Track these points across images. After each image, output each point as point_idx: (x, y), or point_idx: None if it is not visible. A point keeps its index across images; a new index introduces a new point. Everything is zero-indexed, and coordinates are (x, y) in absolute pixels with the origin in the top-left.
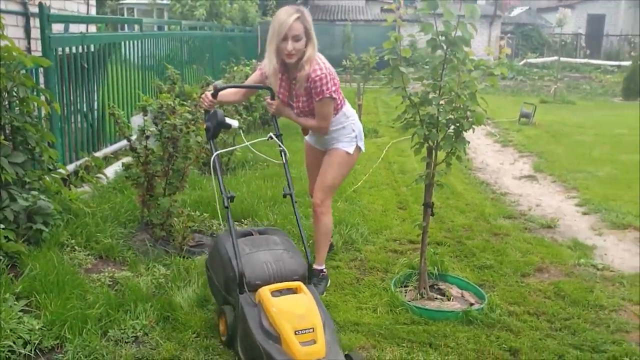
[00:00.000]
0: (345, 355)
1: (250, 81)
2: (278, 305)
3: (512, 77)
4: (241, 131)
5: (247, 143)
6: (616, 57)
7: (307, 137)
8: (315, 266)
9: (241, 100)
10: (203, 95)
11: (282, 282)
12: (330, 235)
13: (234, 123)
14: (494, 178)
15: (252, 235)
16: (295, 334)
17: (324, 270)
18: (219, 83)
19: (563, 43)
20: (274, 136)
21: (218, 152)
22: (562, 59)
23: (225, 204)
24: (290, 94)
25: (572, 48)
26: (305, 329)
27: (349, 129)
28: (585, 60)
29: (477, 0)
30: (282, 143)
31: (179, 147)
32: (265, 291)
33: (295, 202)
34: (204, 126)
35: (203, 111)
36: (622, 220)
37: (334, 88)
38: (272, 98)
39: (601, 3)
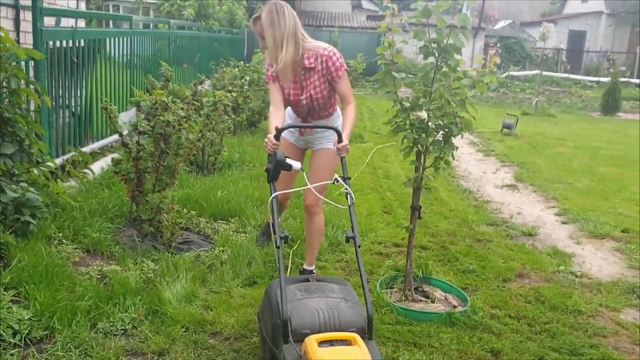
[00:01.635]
0: None
1: (274, 95)
2: (323, 356)
3: (494, 89)
4: (304, 173)
5: (310, 186)
6: (595, 72)
7: (287, 136)
8: (305, 267)
9: None
10: (266, 139)
11: (335, 332)
12: (322, 235)
13: (296, 165)
14: (476, 186)
15: (309, 281)
16: None
17: (314, 271)
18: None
19: (545, 57)
20: (339, 179)
21: (277, 193)
22: (543, 72)
23: (277, 244)
24: (300, 86)
25: (554, 62)
26: None
27: (340, 125)
28: (566, 75)
29: (461, 11)
30: (349, 186)
31: (170, 143)
32: (311, 340)
33: (359, 246)
34: (264, 168)
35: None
36: (600, 230)
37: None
38: (340, 140)
39: (582, 20)
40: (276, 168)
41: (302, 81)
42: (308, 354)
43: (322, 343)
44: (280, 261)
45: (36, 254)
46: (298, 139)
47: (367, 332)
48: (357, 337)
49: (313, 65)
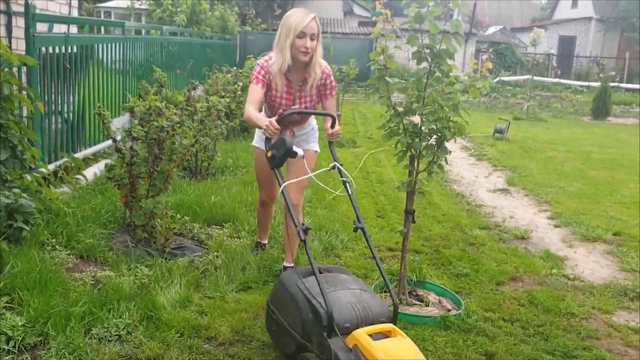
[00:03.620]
0: None
1: (256, 97)
2: (385, 350)
3: (486, 94)
4: (304, 159)
5: (311, 174)
6: (586, 77)
7: (262, 145)
8: (286, 264)
9: None
10: (267, 124)
11: (369, 324)
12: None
13: (300, 151)
14: (469, 190)
15: (321, 272)
16: None
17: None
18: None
19: (535, 62)
20: (339, 165)
21: (286, 182)
22: (534, 77)
23: (302, 237)
24: (293, 97)
25: (544, 67)
26: None
27: (316, 130)
28: (557, 80)
29: (453, 17)
30: (344, 173)
31: (164, 149)
32: (362, 334)
33: (369, 236)
34: (268, 154)
35: (265, 140)
36: (592, 233)
37: None
38: (333, 126)
39: (572, 25)
40: (284, 155)
41: (295, 92)
42: (363, 348)
43: (370, 336)
44: (309, 253)
45: (29, 260)
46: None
47: (393, 321)
48: (396, 328)
49: (311, 80)
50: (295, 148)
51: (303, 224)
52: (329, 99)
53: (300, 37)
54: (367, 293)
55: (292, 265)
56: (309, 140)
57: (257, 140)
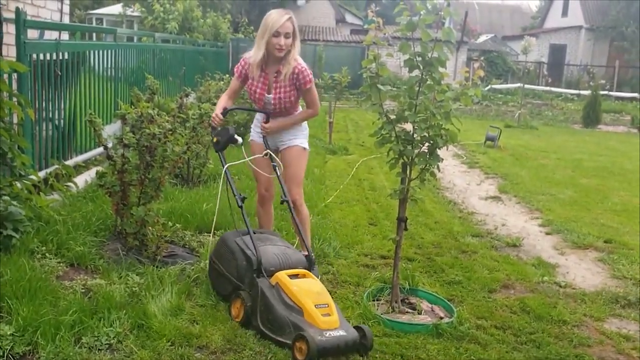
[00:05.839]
0: (356, 327)
1: (232, 88)
2: (298, 285)
3: (477, 101)
4: (242, 147)
5: (247, 159)
6: (576, 85)
7: (256, 139)
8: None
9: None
10: (214, 115)
11: (289, 269)
12: (309, 221)
13: (240, 140)
14: (461, 198)
15: (256, 233)
16: (316, 307)
17: (313, 256)
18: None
19: (526, 70)
20: (270, 152)
21: (228, 164)
22: (525, 85)
23: (239, 203)
24: (268, 87)
25: (535, 75)
26: (322, 304)
27: (303, 127)
28: (547, 88)
29: (445, 25)
30: (275, 158)
31: (156, 156)
32: (283, 274)
33: (293, 207)
34: (214, 139)
35: (211, 128)
36: (583, 240)
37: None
38: (267, 121)
39: (563, 34)
40: (227, 141)
41: (271, 82)
42: (283, 283)
43: (289, 277)
44: (245, 218)
45: (19, 269)
46: (268, 141)
47: (308, 268)
48: (308, 272)
49: (284, 72)
50: (236, 137)
51: (240, 194)
52: (306, 93)
53: (276, 35)
54: (289, 249)
55: (307, 254)
56: (297, 135)
57: (253, 134)
